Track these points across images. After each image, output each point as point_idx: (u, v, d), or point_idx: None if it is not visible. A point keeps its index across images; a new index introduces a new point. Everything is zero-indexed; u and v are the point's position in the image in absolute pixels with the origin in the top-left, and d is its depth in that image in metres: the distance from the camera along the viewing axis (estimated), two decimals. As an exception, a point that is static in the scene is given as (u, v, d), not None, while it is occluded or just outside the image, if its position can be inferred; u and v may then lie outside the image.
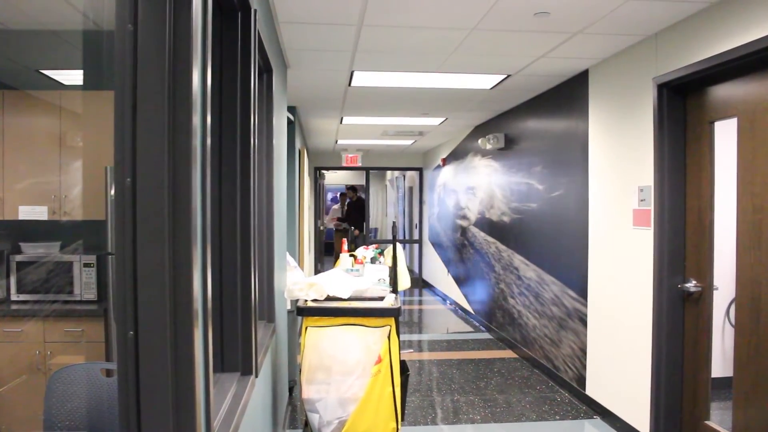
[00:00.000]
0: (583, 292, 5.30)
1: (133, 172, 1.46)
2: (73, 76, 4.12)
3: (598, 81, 5.05)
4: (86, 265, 4.00)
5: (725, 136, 3.74)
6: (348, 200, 15.63)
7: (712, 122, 3.81)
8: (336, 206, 16.79)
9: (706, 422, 3.88)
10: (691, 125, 3.98)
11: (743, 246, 3.49)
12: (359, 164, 12.16)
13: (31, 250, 4.14)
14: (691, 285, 3.95)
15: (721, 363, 4.29)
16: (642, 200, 4.29)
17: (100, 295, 4.00)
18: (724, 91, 3.69)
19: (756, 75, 3.41)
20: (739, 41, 3.33)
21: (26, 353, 3.81)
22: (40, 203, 4.05)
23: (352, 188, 15.25)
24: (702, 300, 3.91)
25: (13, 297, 4.05)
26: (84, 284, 3.99)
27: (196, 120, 1.55)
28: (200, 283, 1.60)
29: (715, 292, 3.87)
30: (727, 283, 3.82)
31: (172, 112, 1.50)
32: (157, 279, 1.48)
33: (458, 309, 10.05)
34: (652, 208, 4.17)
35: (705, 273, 3.88)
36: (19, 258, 4.08)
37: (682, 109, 4.04)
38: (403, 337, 7.93)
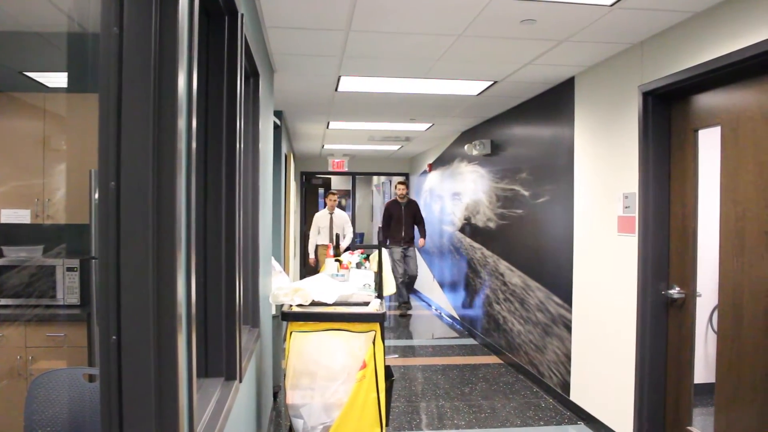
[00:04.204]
0: (568, 298, 5.32)
1: (118, 175, 1.45)
2: (58, 79, 4.09)
3: (584, 88, 5.08)
4: (69, 269, 3.96)
5: (709, 144, 3.77)
6: (393, 201, 10.26)
7: (696, 130, 3.84)
8: (323, 213, 10.73)
9: (689, 427, 3.90)
10: (676, 133, 4.02)
11: (726, 253, 3.52)
12: (345, 169, 12.18)
13: (13, 254, 4.10)
14: (675, 291, 3.97)
15: (704, 369, 4.32)
16: (626, 207, 4.32)
17: (83, 299, 3.97)
18: (708, 100, 3.73)
19: (739, 84, 3.44)
20: (722, 51, 3.37)
21: (7, 358, 3.76)
22: (23, 206, 4.01)
23: (404, 183, 10.30)
24: (685, 306, 3.94)
25: (-5, 301, 4.00)
26: (67, 288, 3.96)
27: (182, 124, 1.55)
28: (184, 288, 1.59)
29: (698, 298, 3.90)
30: (710, 290, 3.84)
31: (157, 116, 1.49)
32: (140, 283, 1.47)
33: (443, 314, 10.06)
34: (636, 215, 4.19)
35: (688, 280, 3.91)
36: (0, 262, 4.04)
37: (666, 117, 4.07)
38: (388, 342, 7.92)
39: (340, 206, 10.91)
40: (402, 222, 9.96)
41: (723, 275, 3.54)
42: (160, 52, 1.50)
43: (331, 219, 10.45)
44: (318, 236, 10.43)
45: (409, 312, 10.16)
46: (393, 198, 10.30)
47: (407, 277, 10.03)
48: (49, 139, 3.96)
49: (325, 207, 10.65)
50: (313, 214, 11.16)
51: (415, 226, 10.22)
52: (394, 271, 9.74)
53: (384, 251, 4.59)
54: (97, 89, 1.46)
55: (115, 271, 1.45)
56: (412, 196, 12.38)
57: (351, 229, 10.68)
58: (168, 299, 1.51)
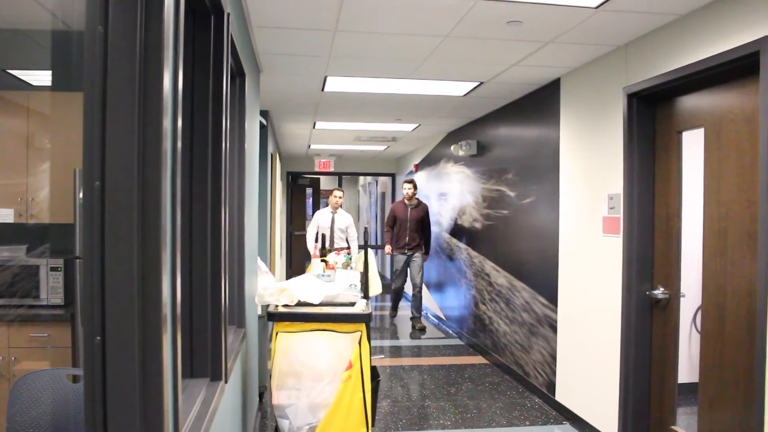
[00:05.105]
0: (553, 298, 5.35)
1: (102, 175, 1.44)
2: (42, 77, 4.06)
3: (569, 90, 5.11)
4: (53, 269, 3.93)
5: (693, 145, 3.80)
6: (400, 202, 9.26)
7: (680, 132, 3.87)
8: (325, 213, 9.65)
9: (673, 427, 3.93)
10: (660, 135, 4.05)
11: (709, 254, 3.55)
12: (332, 169, 12.16)
13: (-5, 254, 4.06)
14: (659, 292, 4.00)
15: (688, 369, 4.36)
16: (611, 208, 4.34)
17: (67, 299, 3.93)
18: (691, 102, 3.76)
19: (722, 87, 3.48)
20: (706, 53, 3.40)
21: (-10, 359, 3.73)
22: (6, 206, 3.98)
23: (411, 182, 9.10)
24: (669, 307, 3.96)
25: (-23, 301, 3.96)
26: (51, 288, 3.92)
27: (167, 123, 1.54)
28: (169, 288, 1.59)
29: (682, 299, 3.93)
30: (693, 290, 3.88)
31: (142, 115, 1.48)
32: (125, 283, 1.46)
33: (430, 315, 10.07)
34: (621, 215, 4.22)
35: (672, 280, 3.94)
36: (-17, 261, 4.00)
37: (651, 119, 4.10)
38: (374, 342, 7.92)
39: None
40: (406, 226, 8.93)
41: (706, 275, 3.57)
42: (145, 51, 1.49)
43: (333, 219, 9.46)
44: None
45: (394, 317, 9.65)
46: (401, 199, 9.23)
47: (416, 289, 9.06)
48: (32, 137, 3.92)
49: (326, 206, 9.66)
50: (300, 214, 10.81)
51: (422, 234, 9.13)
52: (393, 277, 9.24)
53: (370, 252, 4.58)
54: (81, 88, 1.45)
55: (100, 271, 1.44)
56: (398, 196, 12.23)
57: (356, 233, 9.61)
58: (153, 299, 1.50)
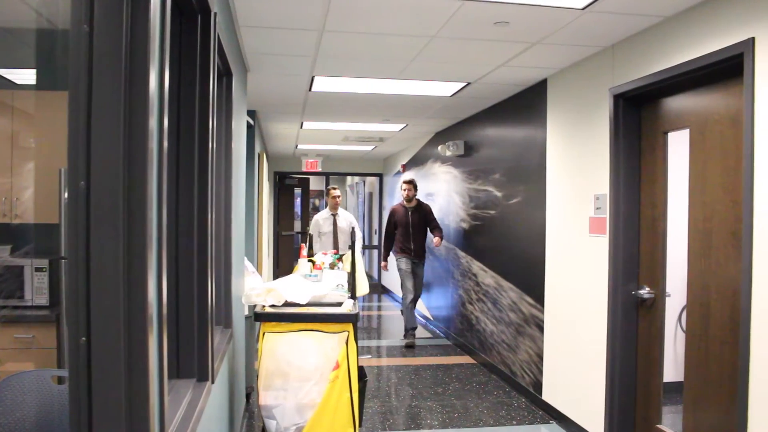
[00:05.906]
0: (540, 298, 5.37)
1: (88, 174, 1.43)
2: (26, 76, 4.02)
3: (556, 90, 5.13)
4: (38, 269, 3.89)
5: (678, 145, 3.83)
6: (399, 204, 8.45)
7: (666, 133, 3.90)
8: (324, 216, 8.84)
9: (658, 425, 3.96)
10: (646, 135, 4.07)
11: (694, 253, 3.57)
12: (319, 169, 12.13)
13: (-21, 254, 4.02)
14: (645, 292, 4.03)
15: (673, 368, 4.38)
16: (598, 208, 4.37)
17: (52, 300, 3.90)
18: (677, 103, 3.78)
19: (707, 88, 3.50)
20: (691, 54, 3.42)
21: (-27, 360, 3.69)
22: (-10, 206, 3.94)
23: (410, 182, 8.27)
24: (655, 306, 3.99)
25: (-40, 302, 3.92)
26: (35, 289, 3.89)
27: (153, 123, 1.53)
28: (155, 288, 1.58)
29: (667, 298, 3.95)
30: (679, 290, 3.90)
31: (127, 115, 1.47)
32: (110, 284, 1.45)
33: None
34: (607, 216, 4.24)
35: (658, 280, 3.97)
36: (-34, 262, 3.96)
37: (637, 120, 4.12)
38: (361, 342, 7.92)
39: (314, 207, 9.98)
40: (409, 231, 8.14)
41: (691, 275, 3.60)
42: (131, 50, 1.48)
43: (335, 222, 8.58)
44: (317, 244, 8.42)
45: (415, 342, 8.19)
46: (400, 201, 8.43)
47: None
48: (17, 136, 3.89)
49: (325, 207, 8.77)
50: (287, 214, 10.61)
51: (431, 231, 8.27)
52: (402, 286, 8.24)
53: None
54: (66, 87, 1.44)
55: (85, 271, 1.43)
56: (388, 198, 12.22)
57: (360, 233, 8.66)
58: (139, 300, 1.49)
